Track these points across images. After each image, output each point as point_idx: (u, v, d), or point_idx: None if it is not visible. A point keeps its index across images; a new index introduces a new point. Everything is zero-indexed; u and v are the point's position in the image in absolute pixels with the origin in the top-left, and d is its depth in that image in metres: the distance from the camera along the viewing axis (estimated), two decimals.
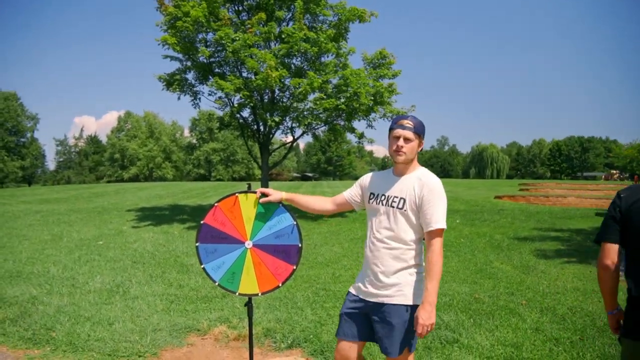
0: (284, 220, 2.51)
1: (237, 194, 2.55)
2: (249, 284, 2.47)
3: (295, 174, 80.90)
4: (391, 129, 2.08)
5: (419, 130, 2.05)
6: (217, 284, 2.50)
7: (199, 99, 12.28)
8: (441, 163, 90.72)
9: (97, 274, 5.60)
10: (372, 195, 2.13)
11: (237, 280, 2.48)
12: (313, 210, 2.23)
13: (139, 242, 8.23)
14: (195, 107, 12.55)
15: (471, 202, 16.24)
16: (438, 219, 1.97)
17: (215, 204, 2.56)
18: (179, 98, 12.01)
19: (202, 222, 2.53)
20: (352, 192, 2.22)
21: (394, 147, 2.05)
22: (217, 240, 2.52)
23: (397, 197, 2.03)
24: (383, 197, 2.08)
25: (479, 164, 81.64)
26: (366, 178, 2.21)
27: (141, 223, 11.02)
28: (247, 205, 2.51)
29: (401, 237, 2.00)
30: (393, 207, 2.02)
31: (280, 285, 2.48)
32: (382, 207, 2.06)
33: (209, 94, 12.25)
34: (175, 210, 14.27)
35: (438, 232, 1.95)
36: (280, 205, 2.49)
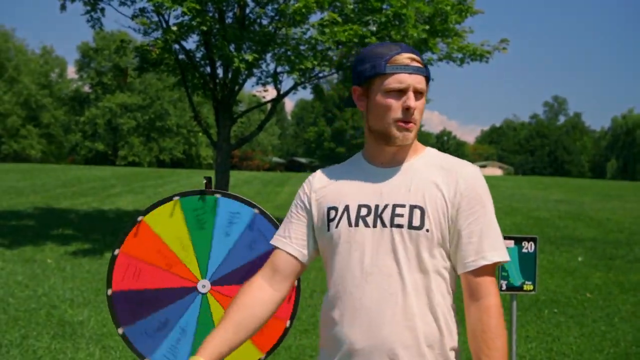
0: (239, 212, 2.74)
1: (175, 197, 2.74)
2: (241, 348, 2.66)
3: (276, 159, 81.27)
4: (379, 73, 1.88)
5: (428, 73, 1.95)
6: None
7: (102, 10, 12.39)
8: (550, 148, 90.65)
9: None
10: (334, 214, 1.97)
11: None
12: (254, 330, 2.02)
13: None
14: (93, 27, 12.66)
15: (607, 225, 16.41)
16: (495, 244, 1.88)
17: (140, 219, 2.73)
18: (62, 6, 12.11)
19: (110, 291, 2.72)
20: (295, 234, 2.04)
21: (400, 112, 1.88)
22: (154, 304, 2.71)
23: (403, 207, 1.89)
24: (367, 212, 1.92)
25: (627, 152, 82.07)
26: (311, 186, 2.07)
27: None
28: (171, 220, 2.72)
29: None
30: (399, 226, 1.87)
31: (288, 326, 2.73)
32: (370, 232, 1.91)
33: (123, 4, 12.39)
34: (49, 218, 14.43)
35: (492, 270, 1.89)
36: (218, 195, 2.70)
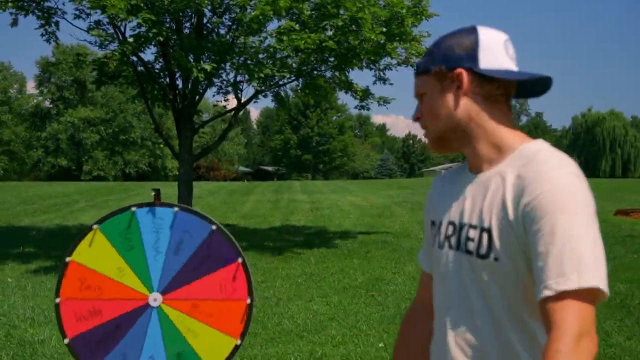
0: (162, 218, 2.75)
1: (93, 227, 2.84)
2: (213, 347, 2.69)
3: (243, 168, 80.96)
4: None
5: (434, 62, 1.67)
6: None
7: (57, 24, 12.19)
8: None
9: None
10: (435, 229, 1.75)
11: (194, 358, 2.71)
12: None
13: None
14: (49, 41, 12.46)
15: None
16: (576, 267, 1.38)
17: (68, 260, 2.83)
18: (14, 21, 11.87)
19: (67, 340, 2.81)
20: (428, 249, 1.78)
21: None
22: (113, 331, 2.75)
23: (474, 227, 1.59)
24: (452, 231, 1.65)
25: (586, 149, 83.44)
26: (431, 193, 1.85)
27: None
28: (104, 247, 2.78)
29: (492, 328, 1.54)
30: (469, 252, 1.58)
31: (250, 302, 2.76)
32: (452, 255, 1.64)
33: (77, 17, 12.20)
34: (9, 236, 14.13)
35: (575, 300, 1.37)
36: (133, 209, 2.74)
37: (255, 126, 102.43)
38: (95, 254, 2.58)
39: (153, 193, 2.71)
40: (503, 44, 1.64)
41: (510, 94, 1.64)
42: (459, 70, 1.61)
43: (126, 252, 2.57)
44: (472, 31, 1.64)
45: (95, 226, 2.59)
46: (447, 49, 1.65)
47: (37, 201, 23.37)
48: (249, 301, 2.65)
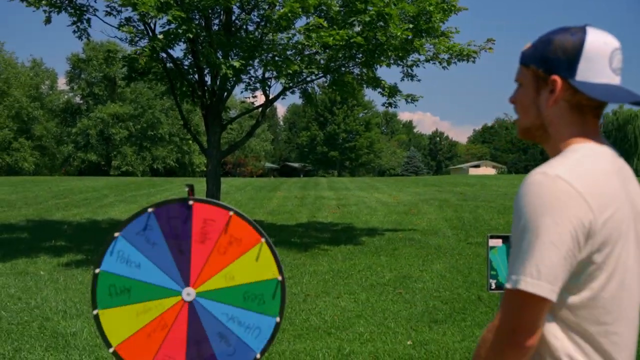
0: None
1: (149, 210, 2.84)
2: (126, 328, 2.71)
3: (269, 165, 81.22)
4: None
5: (534, 60, 1.69)
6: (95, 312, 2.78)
7: (88, 21, 12.36)
8: (542, 146, 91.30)
9: None
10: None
11: (122, 298, 2.77)
12: None
13: None
14: (81, 38, 12.63)
15: None
16: (513, 268, 1.54)
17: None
18: (47, 19, 12.06)
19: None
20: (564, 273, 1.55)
21: None
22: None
23: None
24: None
25: (619, 148, 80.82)
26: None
27: None
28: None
29: None
30: None
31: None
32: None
33: (109, 14, 12.35)
34: (42, 230, 14.38)
35: (508, 298, 1.55)
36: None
37: (281, 123, 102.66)
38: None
39: (187, 188, 2.75)
40: (609, 54, 1.62)
41: (603, 105, 1.65)
42: (555, 77, 1.64)
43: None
44: (580, 33, 1.63)
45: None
46: (549, 50, 1.67)
47: (68, 195, 23.72)
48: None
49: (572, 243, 1.50)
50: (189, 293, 2.75)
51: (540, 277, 1.49)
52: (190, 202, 2.72)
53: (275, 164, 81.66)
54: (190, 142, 61.57)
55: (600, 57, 1.59)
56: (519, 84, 1.75)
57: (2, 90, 57.32)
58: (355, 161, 75.95)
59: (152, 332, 2.70)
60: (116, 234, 2.70)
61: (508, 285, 1.55)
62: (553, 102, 1.66)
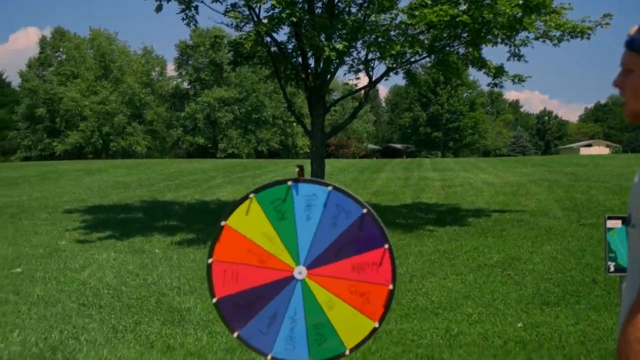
0: (316, 195, 2.80)
1: (251, 195, 2.86)
2: (351, 326, 2.82)
3: (371, 146, 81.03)
4: None
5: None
6: None
7: (196, 8, 12.74)
8: None
9: (15, 327, 5.96)
10: None
11: (332, 332, 2.84)
12: None
13: (92, 268, 8.80)
14: (189, 25, 13.06)
15: None
16: None
17: (223, 224, 2.88)
18: (158, 7, 12.53)
19: (215, 299, 2.91)
20: None
21: None
22: (258, 302, 2.91)
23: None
24: None
25: None
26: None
27: (93, 234, 11.91)
28: (252, 218, 2.85)
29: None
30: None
31: (392, 289, 2.78)
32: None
33: (215, 0, 12.70)
34: (155, 210, 15.07)
35: None
36: (289, 183, 2.79)
37: (384, 104, 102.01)
38: (249, 222, 2.71)
39: (297, 169, 2.79)
40: None
41: None
42: None
43: (277, 223, 2.68)
44: None
45: (252, 195, 2.70)
46: None
47: (178, 177, 24.70)
48: (391, 287, 2.71)
49: None
50: (300, 272, 2.84)
51: None
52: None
53: (377, 145, 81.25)
54: (294, 124, 62.53)
55: None
56: (627, 70, 1.70)
57: (117, 77, 60.41)
58: (460, 142, 74.45)
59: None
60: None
61: None
62: None
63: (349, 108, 61.04)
